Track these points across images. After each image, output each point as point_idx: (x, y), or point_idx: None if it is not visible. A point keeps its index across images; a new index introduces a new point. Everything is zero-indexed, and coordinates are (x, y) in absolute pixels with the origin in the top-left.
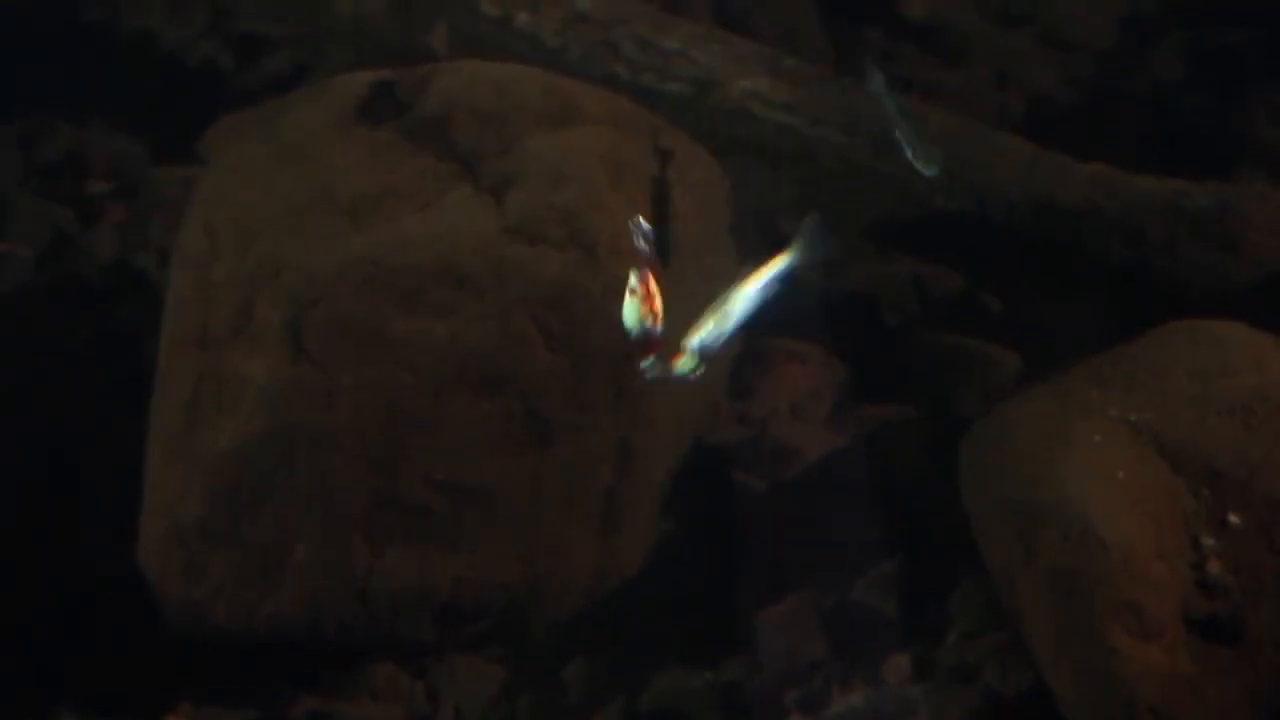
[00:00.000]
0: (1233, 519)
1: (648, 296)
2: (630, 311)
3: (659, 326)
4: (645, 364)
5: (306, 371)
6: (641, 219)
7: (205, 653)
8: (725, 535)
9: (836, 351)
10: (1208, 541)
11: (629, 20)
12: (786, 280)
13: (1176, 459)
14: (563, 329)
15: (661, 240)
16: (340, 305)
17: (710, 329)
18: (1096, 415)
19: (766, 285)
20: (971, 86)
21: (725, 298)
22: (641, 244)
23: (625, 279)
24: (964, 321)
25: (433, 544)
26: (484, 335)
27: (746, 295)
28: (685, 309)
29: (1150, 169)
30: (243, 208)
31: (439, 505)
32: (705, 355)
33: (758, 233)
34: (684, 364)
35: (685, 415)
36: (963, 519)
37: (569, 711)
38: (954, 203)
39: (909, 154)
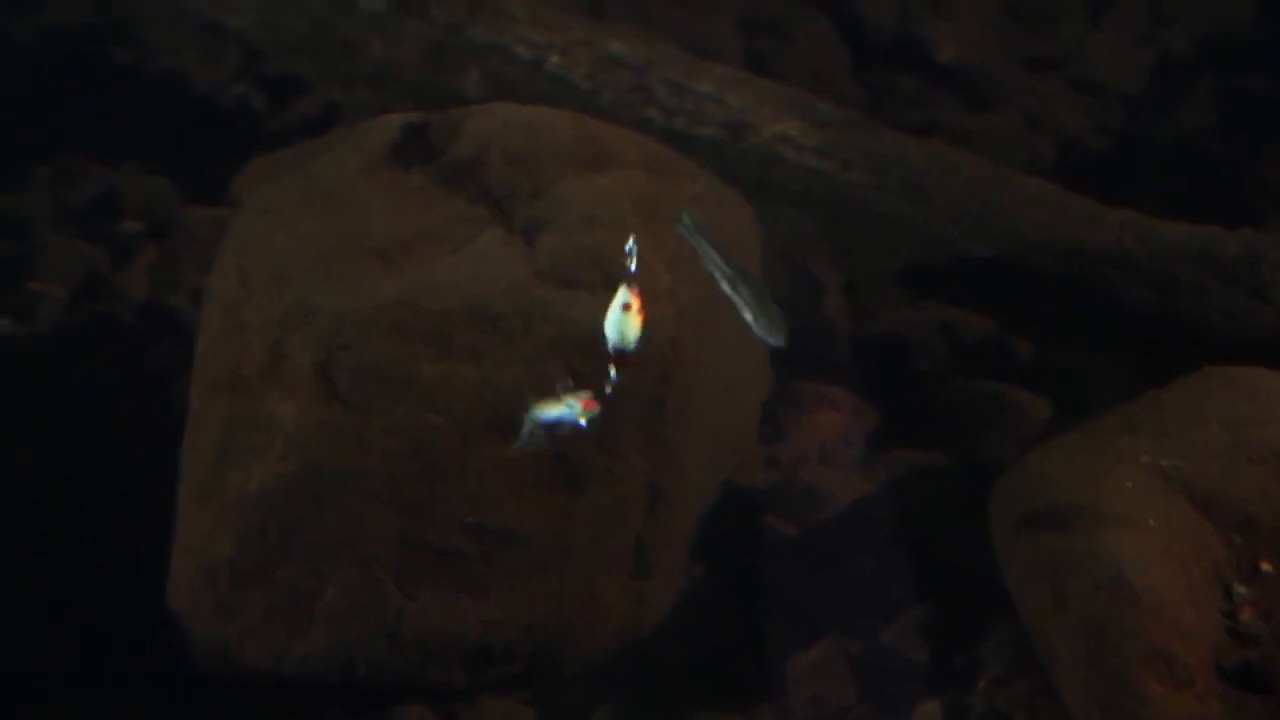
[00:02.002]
0: (1264, 567)
1: (641, 312)
2: (627, 326)
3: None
4: (613, 379)
5: (337, 414)
6: (633, 238)
7: (235, 694)
8: (754, 580)
9: (867, 396)
10: (1240, 590)
11: (661, 64)
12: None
13: (1208, 506)
14: (593, 372)
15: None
16: (371, 348)
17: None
18: (1128, 462)
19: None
20: (1001, 131)
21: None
22: (634, 263)
23: (622, 290)
24: (994, 367)
25: (462, 587)
26: (515, 378)
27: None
28: (720, 350)
29: (1180, 215)
30: (274, 250)
31: (469, 548)
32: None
33: (789, 276)
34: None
35: (715, 459)
36: (993, 565)
37: None
38: (984, 248)
39: (746, 315)
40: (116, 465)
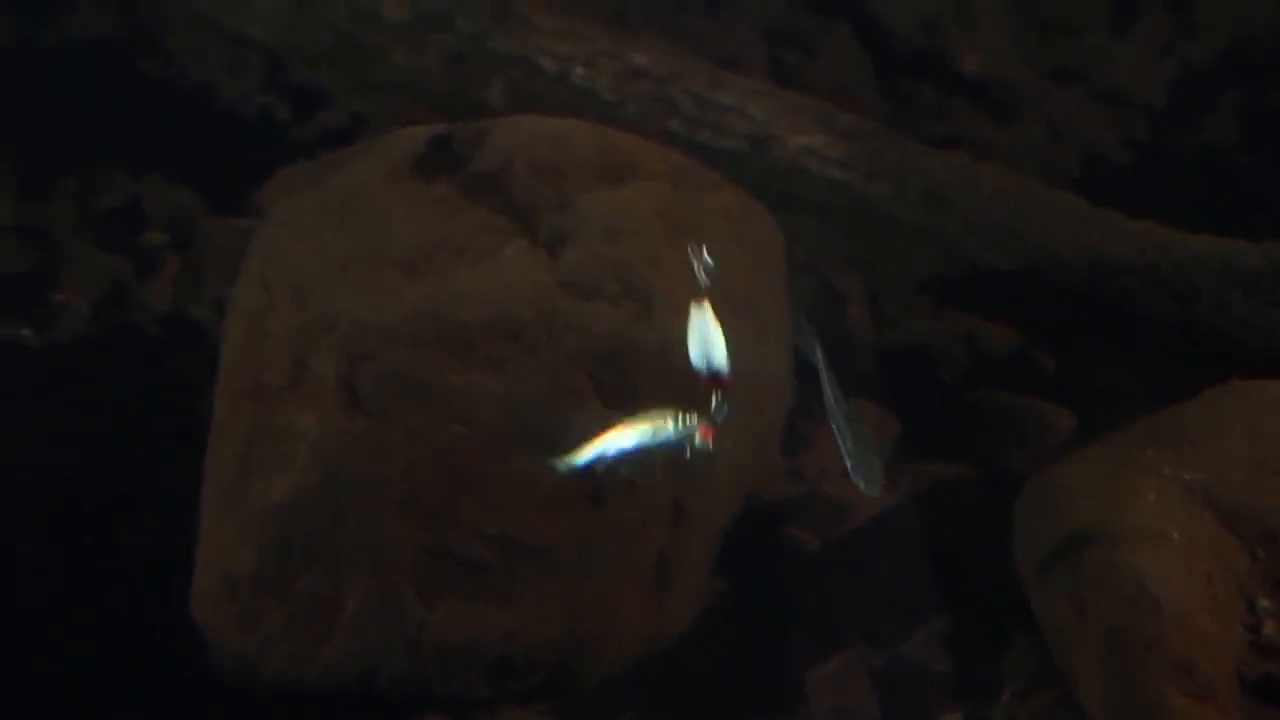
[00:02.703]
0: None
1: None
2: (712, 345)
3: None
4: (717, 404)
5: (360, 424)
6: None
7: (256, 704)
8: (777, 591)
9: (890, 408)
10: (1263, 603)
11: (685, 76)
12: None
13: (1232, 519)
14: (616, 383)
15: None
16: (394, 358)
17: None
18: (1151, 474)
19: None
20: (1025, 143)
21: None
22: (704, 271)
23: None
24: (1017, 379)
25: (484, 598)
26: (537, 389)
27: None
28: (741, 364)
29: (1204, 228)
30: (298, 261)
31: (490, 559)
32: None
33: (813, 288)
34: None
35: (738, 471)
36: (1015, 577)
37: None
38: (1006, 259)
39: (846, 459)
40: (139, 475)
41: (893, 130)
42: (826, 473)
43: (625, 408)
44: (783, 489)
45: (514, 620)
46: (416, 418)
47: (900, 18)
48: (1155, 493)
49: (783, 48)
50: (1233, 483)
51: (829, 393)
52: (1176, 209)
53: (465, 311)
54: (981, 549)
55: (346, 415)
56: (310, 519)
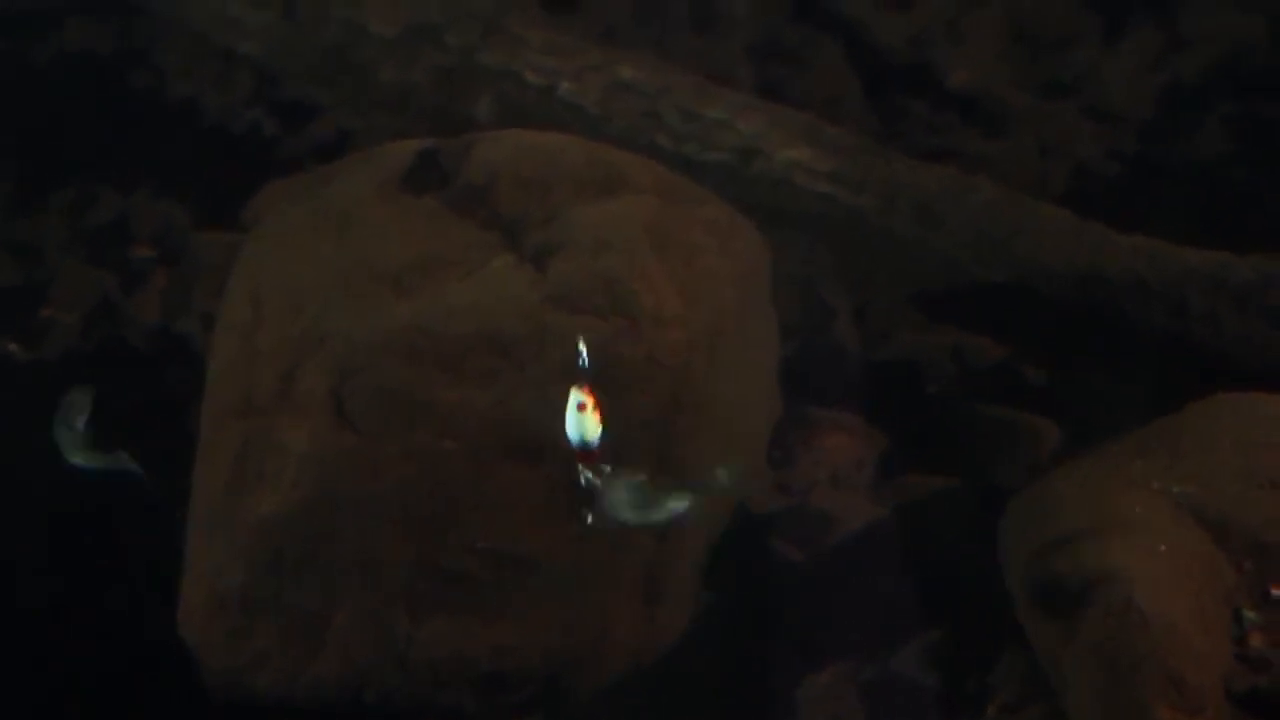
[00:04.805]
0: (1275, 592)
1: (597, 408)
2: (586, 425)
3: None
4: (584, 473)
5: (349, 439)
6: (583, 342)
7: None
8: (766, 604)
9: (877, 421)
10: (1250, 615)
11: (672, 89)
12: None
13: (1219, 532)
14: (604, 397)
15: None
16: (383, 373)
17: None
18: (1139, 487)
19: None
20: (1014, 157)
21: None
22: (584, 362)
23: (574, 392)
24: (1005, 392)
25: (474, 612)
26: (527, 403)
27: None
28: (730, 376)
29: (1194, 241)
30: (287, 275)
31: (481, 573)
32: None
33: (799, 301)
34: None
35: None
36: (1003, 590)
37: None
38: (996, 273)
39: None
40: (126, 490)
41: (881, 144)
42: (814, 485)
43: None
44: (771, 502)
45: (505, 634)
46: (407, 433)
47: (889, 33)
48: (1143, 506)
49: (771, 62)
50: (1221, 495)
51: None
52: (1166, 222)
53: (454, 326)
54: (970, 561)
55: (337, 430)
56: (300, 534)
